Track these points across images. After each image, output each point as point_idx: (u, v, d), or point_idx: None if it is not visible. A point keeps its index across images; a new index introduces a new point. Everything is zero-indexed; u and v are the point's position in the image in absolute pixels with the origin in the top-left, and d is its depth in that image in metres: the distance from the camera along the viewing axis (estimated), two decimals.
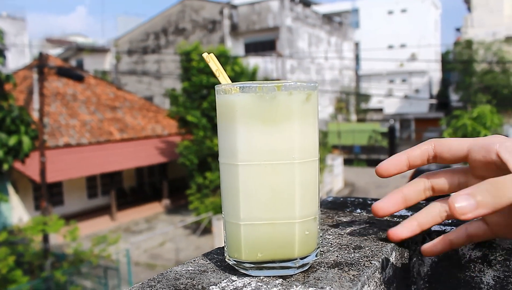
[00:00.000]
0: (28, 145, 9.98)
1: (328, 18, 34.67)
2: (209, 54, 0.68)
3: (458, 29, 44.13)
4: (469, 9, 39.28)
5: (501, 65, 30.15)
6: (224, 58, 17.93)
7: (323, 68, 32.18)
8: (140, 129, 21.20)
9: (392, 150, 32.05)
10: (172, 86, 24.19)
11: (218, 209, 15.84)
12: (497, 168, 0.62)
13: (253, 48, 28.70)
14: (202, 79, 17.70)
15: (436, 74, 45.52)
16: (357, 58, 42.26)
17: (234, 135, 0.58)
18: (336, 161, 23.30)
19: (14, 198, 16.33)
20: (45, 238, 12.07)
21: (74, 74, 18.99)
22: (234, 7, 28.51)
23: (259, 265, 0.60)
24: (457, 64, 33.10)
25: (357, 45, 42.71)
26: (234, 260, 0.61)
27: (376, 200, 0.92)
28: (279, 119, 0.58)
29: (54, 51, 36.51)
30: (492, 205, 0.55)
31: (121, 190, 21.13)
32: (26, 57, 32.80)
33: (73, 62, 33.77)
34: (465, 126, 14.95)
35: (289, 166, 0.58)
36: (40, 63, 14.29)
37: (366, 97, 37.48)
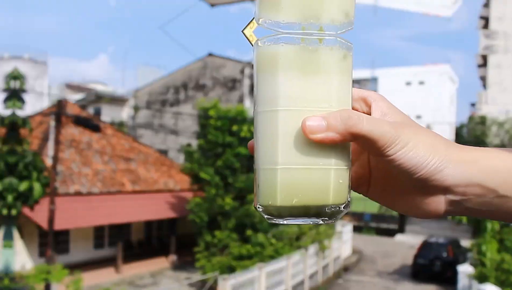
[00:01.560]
0: (39, 192, 9.89)
1: None
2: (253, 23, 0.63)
3: (473, 104, 44.31)
4: (484, 86, 39.54)
5: None
6: (241, 118, 17.99)
7: None
8: (153, 182, 21.11)
9: (402, 220, 31.60)
10: (188, 141, 24.24)
11: (224, 269, 15.51)
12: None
13: None
14: (218, 137, 17.72)
15: None
16: None
17: (275, 83, 0.59)
18: (346, 228, 22.97)
19: (18, 243, 16.12)
20: (47, 287, 11.79)
21: (91, 124, 19.11)
22: None
23: (293, 211, 0.60)
24: (471, 138, 33.03)
25: None
26: (266, 207, 0.60)
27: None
28: (319, 70, 0.60)
29: (73, 97, 37.03)
30: (341, 131, 0.57)
31: (129, 242, 20.85)
32: (44, 100, 33.19)
33: (91, 110, 34.16)
34: None
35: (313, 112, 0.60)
36: (58, 110, 14.39)
37: None
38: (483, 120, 32.35)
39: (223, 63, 29.23)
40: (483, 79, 39.72)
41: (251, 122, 18.29)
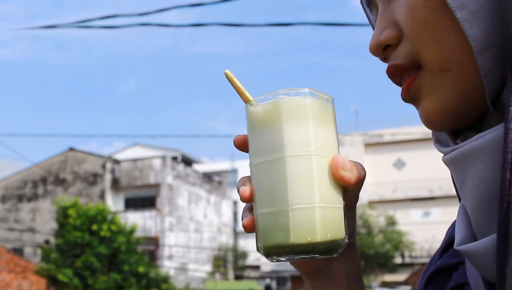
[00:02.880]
0: None
1: (208, 177, 36.07)
2: (227, 73, 0.72)
3: None
4: None
5: (366, 228, 32.46)
6: (101, 216, 18.01)
7: (202, 226, 32.77)
8: (4, 285, 19.97)
9: None
10: (46, 237, 23.43)
11: None
12: None
13: (133, 203, 28.90)
14: (77, 236, 17.49)
15: None
16: (235, 216, 43.56)
17: (307, 129, 0.64)
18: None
19: None
20: None
21: None
22: (117, 162, 29.06)
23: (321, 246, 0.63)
24: None
25: (235, 203, 44.20)
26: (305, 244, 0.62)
27: None
28: (327, 121, 0.67)
29: None
30: (359, 175, 0.66)
31: None
32: None
33: None
34: None
35: (329, 158, 0.66)
36: None
37: (244, 254, 38.15)
38: None
39: (84, 157, 29.05)
40: None
41: (111, 221, 18.34)
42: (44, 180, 29.80)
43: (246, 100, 0.69)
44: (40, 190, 29.79)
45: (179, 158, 36.66)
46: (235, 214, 43.54)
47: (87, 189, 28.41)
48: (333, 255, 0.64)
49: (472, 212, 0.55)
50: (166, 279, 19.31)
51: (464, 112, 0.57)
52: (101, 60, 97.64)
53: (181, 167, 30.59)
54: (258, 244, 0.66)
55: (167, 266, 26.03)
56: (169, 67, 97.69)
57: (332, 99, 0.68)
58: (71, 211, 17.91)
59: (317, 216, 0.61)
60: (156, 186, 28.50)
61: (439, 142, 0.65)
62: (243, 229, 0.68)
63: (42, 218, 28.74)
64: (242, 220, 0.68)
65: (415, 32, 0.56)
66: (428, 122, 0.60)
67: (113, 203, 28.23)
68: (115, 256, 17.94)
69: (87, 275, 17.29)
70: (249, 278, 39.18)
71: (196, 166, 42.28)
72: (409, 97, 0.61)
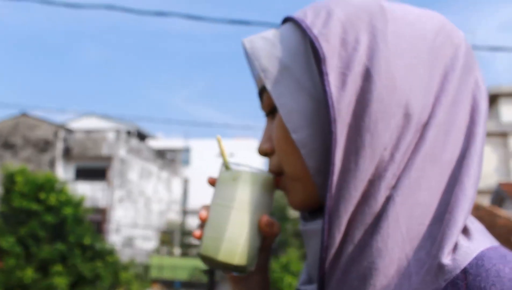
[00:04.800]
0: None
1: (161, 153, 35.94)
2: (218, 138, 0.95)
3: None
4: None
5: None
6: (50, 185, 17.76)
7: (151, 201, 32.68)
8: None
9: (212, 288, 32.36)
10: None
11: None
12: None
13: (84, 174, 28.55)
14: (23, 204, 17.20)
15: None
16: (185, 194, 43.54)
17: (250, 193, 0.88)
18: None
19: None
20: None
21: None
22: (70, 131, 28.62)
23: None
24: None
25: (186, 181, 44.17)
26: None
27: None
28: (268, 191, 0.90)
29: None
30: (275, 230, 0.89)
31: None
32: None
33: None
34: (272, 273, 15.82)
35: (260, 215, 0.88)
36: None
37: (191, 232, 38.16)
38: None
39: (37, 123, 28.47)
40: None
41: (60, 190, 18.11)
42: None
43: (225, 162, 0.91)
44: None
45: (134, 132, 36.31)
46: (185, 192, 43.62)
47: (37, 156, 27.93)
48: (242, 274, 0.88)
49: (310, 267, 0.84)
50: (111, 252, 19.19)
51: (312, 204, 0.82)
52: (62, 24, 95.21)
53: (134, 141, 30.36)
54: (200, 251, 0.88)
55: (114, 239, 25.96)
56: (133, 40, 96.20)
57: (274, 177, 0.88)
58: (18, 178, 17.58)
59: (239, 248, 0.84)
60: (108, 158, 28.23)
61: (301, 216, 0.90)
62: (192, 236, 0.91)
63: None
64: (195, 231, 0.89)
65: (279, 153, 0.82)
66: (292, 208, 0.86)
67: (64, 172, 27.86)
68: (61, 226, 17.74)
69: (30, 244, 17.04)
70: (195, 256, 39.39)
71: (150, 142, 41.98)
72: (280, 189, 0.87)
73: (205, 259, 0.88)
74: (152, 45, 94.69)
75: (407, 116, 0.71)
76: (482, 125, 0.74)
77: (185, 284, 32.52)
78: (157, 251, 32.91)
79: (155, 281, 30.11)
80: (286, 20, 0.85)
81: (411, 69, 0.72)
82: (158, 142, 46.19)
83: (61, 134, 28.00)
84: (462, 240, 0.68)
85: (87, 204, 22.67)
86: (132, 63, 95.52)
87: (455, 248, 0.66)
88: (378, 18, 0.74)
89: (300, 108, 0.75)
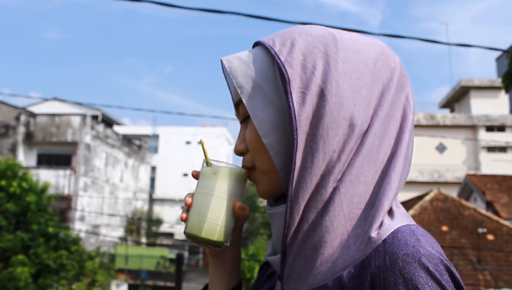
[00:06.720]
0: None
1: (128, 140, 35.10)
2: (202, 141, 1.15)
3: None
4: None
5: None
6: (11, 171, 17.00)
7: (117, 189, 31.96)
8: None
9: (179, 277, 32.02)
10: None
11: None
12: None
13: (47, 160, 27.61)
14: None
15: None
16: (152, 182, 42.85)
17: (227, 184, 1.06)
18: (121, 288, 22.69)
19: None
20: None
21: None
22: (33, 115, 27.55)
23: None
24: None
25: (154, 169, 43.46)
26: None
27: None
28: (240, 182, 1.08)
29: None
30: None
31: None
32: None
33: None
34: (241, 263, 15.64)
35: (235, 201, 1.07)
36: None
37: (158, 221, 37.71)
38: None
39: None
40: None
41: (22, 177, 17.34)
42: None
43: (207, 159, 1.08)
44: None
45: (100, 118, 35.36)
46: (152, 179, 42.89)
47: None
48: (219, 249, 1.05)
49: (274, 242, 1.04)
50: (76, 241, 18.66)
51: (276, 193, 1.02)
52: (20, 0, 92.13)
53: (101, 127, 29.47)
54: (185, 230, 1.03)
55: (78, 228, 25.19)
56: (98, 21, 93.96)
57: (246, 171, 1.05)
58: None
59: (218, 227, 1.02)
60: (73, 144, 27.32)
61: (268, 202, 1.10)
62: (180, 219, 1.05)
63: None
64: (181, 213, 1.04)
65: (252, 152, 1.01)
66: (260, 196, 1.05)
67: (25, 158, 26.84)
68: (24, 214, 17.05)
69: None
70: (161, 245, 38.90)
71: (116, 128, 41.07)
72: (251, 180, 1.05)
73: (190, 236, 1.04)
74: (118, 27, 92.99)
75: (351, 126, 0.92)
76: (409, 133, 0.96)
77: (151, 273, 32.09)
78: (123, 240, 32.26)
79: (121, 270, 29.53)
80: (257, 44, 1.03)
81: (355, 89, 0.93)
82: (125, 128, 45.27)
83: (23, 118, 26.94)
84: (386, 219, 0.89)
85: (51, 191, 21.95)
86: (95, 45, 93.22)
87: (381, 225, 0.88)
88: (331, 48, 0.95)
89: (269, 118, 0.96)
